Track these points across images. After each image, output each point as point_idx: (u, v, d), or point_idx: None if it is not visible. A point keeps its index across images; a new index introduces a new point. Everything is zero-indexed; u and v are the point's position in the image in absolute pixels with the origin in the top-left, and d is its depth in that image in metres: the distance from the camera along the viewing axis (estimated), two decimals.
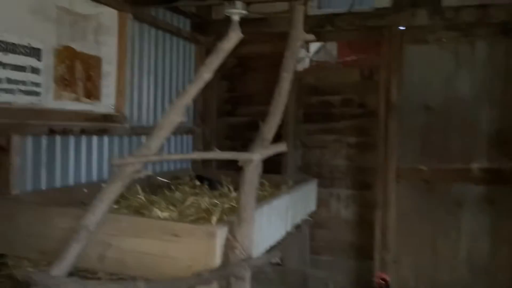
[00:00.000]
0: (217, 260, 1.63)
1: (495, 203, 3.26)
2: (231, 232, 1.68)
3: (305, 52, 3.79)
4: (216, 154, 1.65)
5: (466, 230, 3.35)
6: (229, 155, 1.67)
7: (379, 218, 3.51)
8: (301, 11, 1.88)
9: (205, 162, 4.08)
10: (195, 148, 4.02)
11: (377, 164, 3.52)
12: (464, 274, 3.34)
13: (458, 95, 3.36)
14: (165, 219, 1.79)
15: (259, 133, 1.80)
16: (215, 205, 2.44)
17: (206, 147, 4.10)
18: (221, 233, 1.64)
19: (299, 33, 1.84)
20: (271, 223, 2.28)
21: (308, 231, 3.54)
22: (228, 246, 1.65)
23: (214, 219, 1.91)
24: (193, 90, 1.75)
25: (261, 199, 2.43)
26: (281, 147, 1.74)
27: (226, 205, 2.45)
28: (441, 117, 3.40)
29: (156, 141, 1.67)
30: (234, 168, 3.85)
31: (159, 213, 1.98)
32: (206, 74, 1.74)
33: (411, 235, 3.49)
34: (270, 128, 1.78)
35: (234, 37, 1.72)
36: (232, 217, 1.79)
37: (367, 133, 3.62)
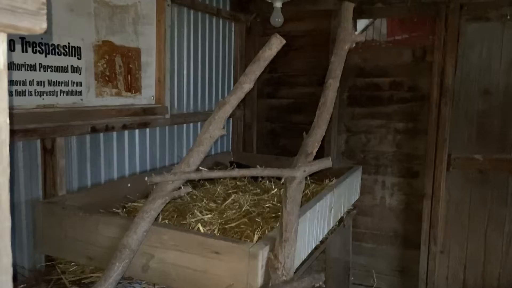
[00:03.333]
0: (259, 279, 1.60)
1: None
2: (273, 250, 1.63)
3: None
4: (258, 171, 1.58)
5: None
6: (271, 171, 1.60)
7: (427, 208, 3.36)
8: (351, 10, 1.71)
9: (246, 146, 4.04)
10: (235, 131, 3.97)
11: (426, 152, 3.33)
12: None
13: None
14: (206, 234, 1.77)
15: (302, 146, 1.70)
16: (256, 204, 2.40)
17: (247, 130, 4.04)
18: (263, 254, 1.59)
19: (347, 35, 1.68)
20: (314, 226, 2.22)
21: (351, 221, 3.46)
22: (270, 266, 1.61)
23: (255, 237, 1.87)
24: (233, 101, 1.66)
25: (303, 200, 2.37)
26: (326, 163, 1.64)
27: (267, 204, 2.41)
28: (501, 103, 3.12)
29: (196, 157, 1.62)
30: (276, 153, 3.81)
31: (200, 225, 1.95)
32: (247, 84, 1.65)
33: (461, 226, 3.33)
34: (314, 141, 1.68)
35: (275, 44, 1.60)
36: (274, 231, 1.74)
37: (417, 119, 3.41)
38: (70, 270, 1.90)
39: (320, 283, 1.54)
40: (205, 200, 2.45)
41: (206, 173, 1.52)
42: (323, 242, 2.50)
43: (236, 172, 1.60)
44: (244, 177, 2.98)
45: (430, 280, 3.38)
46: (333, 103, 1.72)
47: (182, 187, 1.64)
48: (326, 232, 2.49)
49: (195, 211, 2.15)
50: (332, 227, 2.67)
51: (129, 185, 2.57)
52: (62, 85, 2.20)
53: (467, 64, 3.19)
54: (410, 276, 3.50)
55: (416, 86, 3.40)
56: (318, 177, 2.98)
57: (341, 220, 2.89)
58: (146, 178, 1.58)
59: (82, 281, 1.80)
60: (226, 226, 2.03)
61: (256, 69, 1.64)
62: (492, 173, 3.19)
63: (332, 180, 2.84)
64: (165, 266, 1.75)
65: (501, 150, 3.14)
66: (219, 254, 1.63)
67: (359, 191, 3.40)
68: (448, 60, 3.20)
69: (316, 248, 2.35)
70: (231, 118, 3.95)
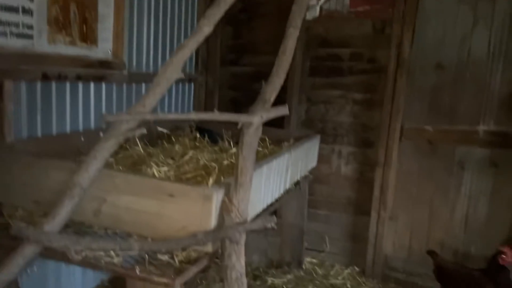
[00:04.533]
0: (212, 222, 1.61)
1: (498, 167, 3.21)
2: (228, 194, 1.65)
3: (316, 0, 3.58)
4: (215, 115, 1.58)
5: (466, 191, 3.34)
6: (228, 116, 1.60)
7: (379, 176, 3.49)
8: None
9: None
10: (196, 98, 3.93)
11: (381, 122, 3.44)
12: (458, 235, 3.38)
13: (473, 54, 3.20)
14: (160, 178, 1.76)
15: (260, 94, 1.71)
16: (214, 161, 2.40)
17: (209, 97, 4.01)
18: (217, 196, 1.60)
19: None
20: (270, 182, 2.25)
21: (307, 186, 3.55)
22: (224, 209, 1.62)
23: (211, 181, 1.87)
24: (192, 44, 1.64)
25: (261, 157, 2.40)
26: (283, 110, 1.66)
27: (225, 162, 2.42)
28: (453, 76, 3.26)
29: (152, 98, 1.59)
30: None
31: (155, 170, 1.94)
32: (206, 27, 1.63)
33: (410, 194, 3.49)
34: (272, 89, 1.69)
35: None
36: (230, 178, 1.75)
37: (374, 90, 3.50)
38: (17, 214, 1.83)
39: (272, 224, 1.57)
40: (162, 156, 2.42)
41: (162, 115, 1.50)
42: (278, 201, 2.56)
43: (194, 115, 1.60)
44: (203, 137, 2.97)
45: (378, 245, 3.54)
46: (293, 52, 1.73)
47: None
48: (282, 191, 2.53)
49: (151, 163, 2.12)
50: (289, 187, 2.73)
51: (82, 139, 2.50)
52: (12, 26, 2.08)
53: (423, 38, 3.30)
54: (360, 241, 3.65)
55: (375, 58, 3.49)
56: (277, 141, 3.02)
57: (297, 183, 2.96)
58: (103, 117, 1.54)
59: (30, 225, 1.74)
60: (182, 177, 2.02)
61: (216, 12, 1.62)
62: (440, 143, 3.35)
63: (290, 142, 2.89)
64: (117, 210, 1.72)
65: (450, 122, 3.30)
66: (174, 197, 1.63)
67: (317, 159, 3.48)
68: (406, 34, 3.30)
69: (271, 205, 2.40)
70: (192, 84, 3.90)
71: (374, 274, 3.57)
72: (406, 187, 3.49)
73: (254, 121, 1.61)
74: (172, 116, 1.52)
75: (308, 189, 3.58)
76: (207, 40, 3.53)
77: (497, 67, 3.15)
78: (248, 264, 3.42)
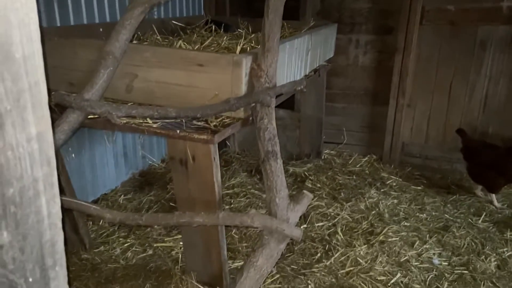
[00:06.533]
0: (243, 88, 1.66)
1: None
2: (256, 60, 1.67)
3: None
4: None
5: (486, 72, 3.30)
6: None
7: (398, 63, 3.45)
8: None
9: (218, 9, 3.90)
10: None
11: (402, 5, 3.32)
12: (476, 117, 3.42)
13: None
14: (188, 49, 1.77)
15: None
16: (235, 44, 2.39)
17: None
18: (247, 62, 1.63)
19: None
20: (291, 62, 2.26)
21: (325, 77, 3.55)
22: (253, 75, 1.66)
23: (238, 49, 1.88)
24: None
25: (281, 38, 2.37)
26: None
27: (246, 46, 2.40)
28: None
29: None
30: (249, 15, 3.71)
31: (181, 43, 1.95)
32: None
33: (429, 80, 3.47)
34: None
35: None
36: (256, 50, 1.76)
37: None
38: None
39: (301, 86, 1.61)
40: (181, 42, 2.41)
41: None
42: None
43: None
44: (218, 28, 2.93)
45: (396, 132, 3.62)
46: None
47: None
48: (302, 74, 2.55)
49: (174, 43, 2.13)
50: (309, 73, 2.74)
51: (101, 29, 2.48)
52: None
53: None
54: (378, 131, 3.73)
55: None
56: (295, 28, 2.97)
57: (316, 71, 2.96)
58: None
59: None
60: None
61: None
62: (462, 24, 3.25)
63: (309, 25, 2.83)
64: (149, 85, 1.77)
65: (472, 0, 3.17)
66: (203, 66, 1.66)
67: (334, 49, 3.44)
68: None
69: None
70: None
71: (392, 160, 3.69)
72: (425, 73, 3.46)
73: None
74: None
75: (326, 82, 3.59)
76: None
77: None
78: None
